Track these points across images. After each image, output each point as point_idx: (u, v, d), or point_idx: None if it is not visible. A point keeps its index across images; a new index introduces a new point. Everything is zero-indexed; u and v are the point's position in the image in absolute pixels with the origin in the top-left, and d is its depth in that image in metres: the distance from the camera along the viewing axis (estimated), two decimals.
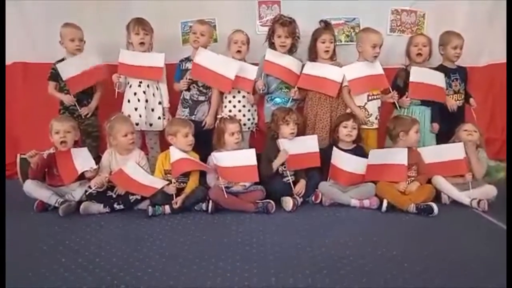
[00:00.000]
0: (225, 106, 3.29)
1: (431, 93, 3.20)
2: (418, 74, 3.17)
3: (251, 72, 3.22)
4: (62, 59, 3.19)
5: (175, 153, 2.83)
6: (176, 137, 2.87)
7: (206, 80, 3.19)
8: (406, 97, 3.22)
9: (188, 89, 3.25)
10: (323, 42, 3.24)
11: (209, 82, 3.20)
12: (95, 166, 2.80)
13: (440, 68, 3.33)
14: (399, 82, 3.30)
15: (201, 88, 3.26)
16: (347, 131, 3.04)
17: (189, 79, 3.21)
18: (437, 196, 2.90)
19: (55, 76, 3.17)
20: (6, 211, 2.51)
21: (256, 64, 3.27)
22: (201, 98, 3.27)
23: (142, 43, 3.16)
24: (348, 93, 3.24)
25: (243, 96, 3.29)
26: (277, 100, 3.30)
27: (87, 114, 3.22)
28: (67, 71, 3.09)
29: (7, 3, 3.44)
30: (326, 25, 3.31)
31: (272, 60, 3.22)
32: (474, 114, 3.32)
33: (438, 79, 3.22)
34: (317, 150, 3.03)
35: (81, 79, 3.12)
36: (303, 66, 3.28)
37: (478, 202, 2.78)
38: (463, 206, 2.85)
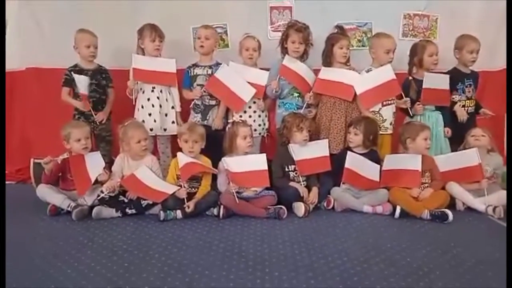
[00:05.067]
0: (236, 112, 3.29)
1: (438, 98, 3.19)
2: (430, 80, 3.14)
3: (262, 78, 3.21)
4: (75, 65, 3.21)
5: (182, 158, 2.84)
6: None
7: (220, 96, 3.20)
8: (419, 104, 3.18)
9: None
10: (341, 48, 3.20)
11: (222, 98, 3.21)
12: (104, 165, 2.81)
13: (454, 72, 3.29)
14: (411, 94, 3.21)
15: None
16: (349, 137, 3.05)
17: (203, 90, 3.21)
18: (452, 203, 2.85)
19: (69, 82, 3.17)
20: (19, 215, 2.56)
21: (267, 69, 3.26)
22: (212, 102, 3.28)
23: (157, 49, 3.19)
24: None
25: (254, 102, 3.27)
26: (289, 106, 3.28)
27: (103, 120, 3.24)
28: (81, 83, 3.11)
29: (20, 8, 3.49)
30: (342, 31, 3.29)
31: (288, 65, 3.20)
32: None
33: (444, 82, 3.18)
34: (327, 154, 3.03)
35: None
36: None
37: (494, 209, 2.73)
38: (478, 212, 2.80)
